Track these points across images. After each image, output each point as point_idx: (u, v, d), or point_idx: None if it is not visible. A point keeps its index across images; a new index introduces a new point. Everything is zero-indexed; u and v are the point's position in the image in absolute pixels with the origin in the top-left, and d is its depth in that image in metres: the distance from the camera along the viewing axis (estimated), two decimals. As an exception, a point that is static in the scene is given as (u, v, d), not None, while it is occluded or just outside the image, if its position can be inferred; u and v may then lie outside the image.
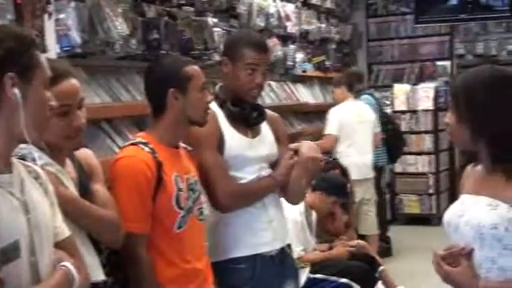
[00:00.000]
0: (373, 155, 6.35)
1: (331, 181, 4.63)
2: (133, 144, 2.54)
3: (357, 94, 6.81)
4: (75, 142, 2.17)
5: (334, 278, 4.12)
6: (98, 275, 2.15)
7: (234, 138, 2.79)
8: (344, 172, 5.08)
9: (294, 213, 4.05)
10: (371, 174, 6.32)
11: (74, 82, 2.13)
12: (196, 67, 2.60)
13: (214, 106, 2.81)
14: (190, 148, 2.70)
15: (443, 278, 2.09)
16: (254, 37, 2.91)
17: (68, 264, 1.69)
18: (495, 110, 2.02)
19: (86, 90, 3.94)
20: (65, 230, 1.79)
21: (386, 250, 6.86)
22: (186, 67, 2.56)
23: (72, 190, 2.11)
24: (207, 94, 2.62)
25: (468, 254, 2.04)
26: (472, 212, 2.06)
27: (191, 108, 2.55)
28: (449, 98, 2.17)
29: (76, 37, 3.56)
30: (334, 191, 4.55)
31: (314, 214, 4.47)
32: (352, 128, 6.19)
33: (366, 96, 6.99)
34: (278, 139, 2.94)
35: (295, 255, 3.98)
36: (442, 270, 2.07)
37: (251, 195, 2.80)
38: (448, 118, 2.15)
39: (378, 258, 4.92)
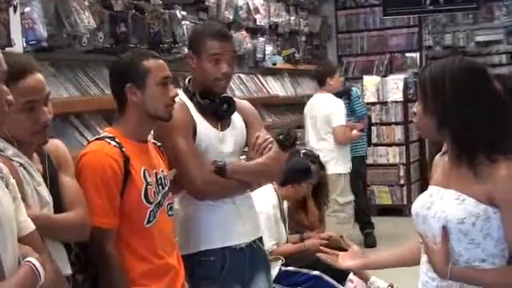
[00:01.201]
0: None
1: (295, 169, 4.49)
2: (99, 139, 2.52)
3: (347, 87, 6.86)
4: (42, 137, 2.13)
5: (305, 271, 4.12)
6: (65, 269, 2.13)
7: (204, 131, 2.78)
8: (314, 160, 4.97)
9: (266, 206, 4.04)
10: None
11: (39, 76, 2.08)
12: (156, 61, 2.53)
13: (184, 98, 2.79)
14: (159, 144, 2.68)
15: (426, 252, 2.10)
16: (215, 27, 2.88)
17: (33, 259, 1.67)
18: (460, 102, 2.02)
19: (54, 84, 3.90)
20: (29, 225, 1.77)
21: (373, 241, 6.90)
22: (144, 61, 2.50)
23: (40, 181, 2.08)
24: (170, 88, 2.55)
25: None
26: (440, 205, 2.07)
27: (151, 103, 2.50)
28: (417, 88, 2.17)
29: (42, 30, 3.50)
30: (302, 177, 4.49)
31: (285, 204, 4.45)
32: (305, 123, 6.29)
33: (354, 89, 7.10)
34: (249, 125, 2.92)
35: (267, 249, 3.99)
36: (427, 245, 2.08)
37: (228, 182, 2.77)
38: (416, 107, 2.16)
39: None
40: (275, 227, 4.22)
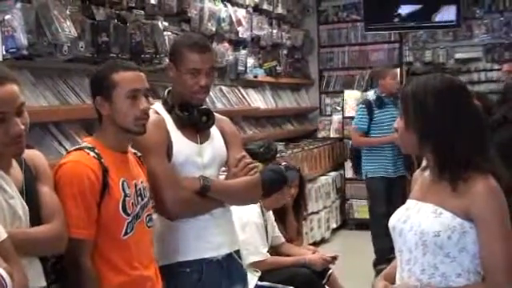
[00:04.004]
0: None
1: (274, 177, 4.42)
2: (78, 149, 2.50)
3: None
4: (16, 148, 2.08)
5: (280, 286, 4.10)
6: (38, 282, 2.10)
7: (182, 144, 2.76)
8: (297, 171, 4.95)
9: (253, 216, 4.03)
10: None
11: (9, 87, 2.02)
12: (126, 73, 2.48)
13: (162, 112, 2.78)
14: (139, 154, 2.66)
15: None
16: (194, 39, 2.86)
17: (0, 270, 1.64)
18: (441, 117, 2.04)
19: (33, 93, 3.88)
20: (0, 234, 1.74)
21: None
22: (113, 74, 2.46)
23: (13, 194, 2.04)
24: (141, 101, 2.48)
25: None
26: (416, 218, 2.08)
27: (119, 116, 2.47)
28: (399, 104, 2.18)
29: (22, 38, 3.49)
30: (282, 183, 4.42)
31: (271, 217, 4.43)
32: None
33: None
34: (228, 143, 2.92)
35: (262, 257, 4.01)
36: None
37: (200, 204, 2.77)
38: (397, 123, 2.17)
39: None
40: (265, 235, 4.20)
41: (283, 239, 4.53)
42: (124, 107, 2.46)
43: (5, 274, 1.64)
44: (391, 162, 6.36)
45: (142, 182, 2.57)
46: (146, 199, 2.58)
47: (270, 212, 4.42)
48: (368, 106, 6.45)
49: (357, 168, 6.77)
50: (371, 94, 6.73)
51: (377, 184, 6.39)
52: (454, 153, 2.04)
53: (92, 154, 2.43)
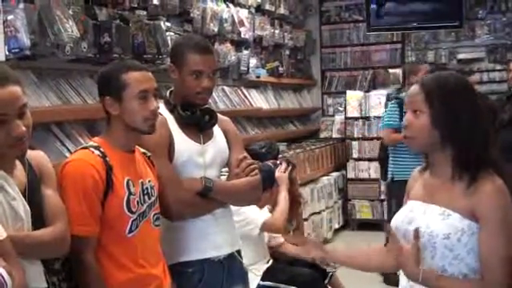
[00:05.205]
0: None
1: (264, 177, 4.37)
2: (84, 148, 2.52)
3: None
4: (18, 149, 2.08)
5: (283, 286, 4.10)
6: (39, 283, 2.11)
7: (184, 144, 2.77)
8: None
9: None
10: None
11: (11, 89, 1.99)
12: (136, 73, 2.49)
13: (164, 111, 2.79)
14: (149, 154, 2.67)
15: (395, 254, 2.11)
16: (196, 40, 2.86)
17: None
18: (469, 118, 2.03)
19: (36, 93, 3.88)
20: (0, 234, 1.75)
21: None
22: (123, 75, 2.47)
23: (15, 195, 2.03)
24: (151, 101, 2.50)
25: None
26: (423, 220, 2.06)
27: (128, 116, 2.49)
28: (420, 98, 2.09)
29: (25, 39, 3.49)
30: (272, 181, 4.40)
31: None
32: None
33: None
34: (229, 143, 2.93)
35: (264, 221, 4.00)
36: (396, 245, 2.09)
37: (202, 205, 2.78)
38: (408, 120, 2.12)
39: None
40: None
41: (282, 239, 4.53)
42: (134, 108, 2.48)
43: (5, 274, 1.64)
44: (419, 162, 6.10)
45: (149, 182, 2.59)
46: (153, 198, 2.59)
47: (266, 210, 4.43)
48: (400, 104, 6.06)
49: (386, 172, 6.38)
50: (402, 94, 6.44)
51: (403, 188, 6.10)
52: (475, 153, 2.03)
53: (97, 152, 2.45)
